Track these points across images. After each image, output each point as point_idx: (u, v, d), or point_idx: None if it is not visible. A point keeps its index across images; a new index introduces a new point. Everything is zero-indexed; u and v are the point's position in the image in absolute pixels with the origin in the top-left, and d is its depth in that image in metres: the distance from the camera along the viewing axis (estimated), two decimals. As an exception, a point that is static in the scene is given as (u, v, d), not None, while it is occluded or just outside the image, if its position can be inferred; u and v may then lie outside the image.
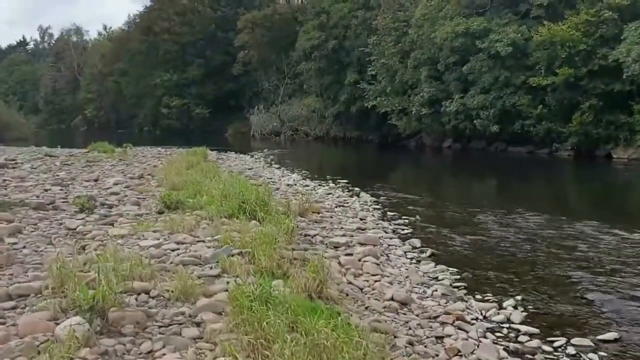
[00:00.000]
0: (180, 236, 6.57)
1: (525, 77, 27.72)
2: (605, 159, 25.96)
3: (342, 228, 9.08)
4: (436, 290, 6.23)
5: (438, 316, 5.41)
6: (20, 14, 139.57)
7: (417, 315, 5.40)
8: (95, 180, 12.53)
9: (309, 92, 45.77)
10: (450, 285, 6.58)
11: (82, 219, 7.91)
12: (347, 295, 5.44)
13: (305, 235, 8.13)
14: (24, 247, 6.25)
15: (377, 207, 12.25)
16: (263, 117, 48.54)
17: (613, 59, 24.31)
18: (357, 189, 15.11)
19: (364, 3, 39.35)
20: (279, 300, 4.11)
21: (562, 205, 12.37)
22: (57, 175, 13.50)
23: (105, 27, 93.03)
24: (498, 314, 5.73)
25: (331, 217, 10.14)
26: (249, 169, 20.30)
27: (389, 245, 8.25)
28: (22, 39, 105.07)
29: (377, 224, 9.90)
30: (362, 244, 7.79)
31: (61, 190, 10.88)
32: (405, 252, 7.94)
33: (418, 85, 33.10)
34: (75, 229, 7.24)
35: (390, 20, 34.73)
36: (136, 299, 4.43)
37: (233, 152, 28.84)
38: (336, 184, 16.24)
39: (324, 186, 15.82)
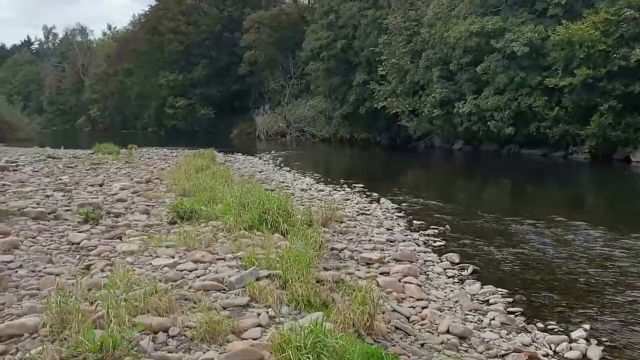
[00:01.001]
0: (197, 253, 5.78)
1: (541, 77, 26.86)
2: (623, 163, 25.13)
3: (370, 240, 8.29)
4: (494, 319, 5.42)
5: (507, 354, 4.61)
6: (25, 14, 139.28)
7: (482, 353, 4.60)
8: (100, 185, 11.76)
9: (316, 92, 45.02)
10: (505, 310, 5.78)
11: (87, 230, 7.13)
12: (396, 328, 4.65)
13: (332, 249, 7.35)
14: (20, 267, 5.47)
15: (401, 214, 11.46)
16: (268, 118, 47.89)
17: (635, 59, 23.45)
18: (375, 194, 14.34)
19: (373, 2, 38.56)
20: (334, 349, 3.33)
21: (602, 213, 11.55)
22: (60, 179, 12.74)
23: (109, 27, 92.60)
24: (570, 348, 4.92)
25: (355, 227, 9.36)
26: (259, 171, 19.56)
27: (425, 261, 7.45)
28: (26, 39, 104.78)
29: (406, 235, 9.10)
30: (398, 261, 6.99)
31: (64, 196, 10.12)
32: (444, 270, 7.13)
33: (429, 86, 32.30)
34: (79, 244, 6.46)
35: (401, 19, 33.94)
36: (153, 341, 3.64)
37: (240, 154, 28.13)
38: (352, 189, 15.47)
39: (339, 191, 15.06)
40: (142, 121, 62.20)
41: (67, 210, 8.46)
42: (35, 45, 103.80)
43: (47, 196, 9.90)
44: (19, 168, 14.99)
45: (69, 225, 7.51)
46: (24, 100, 78.72)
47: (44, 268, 5.42)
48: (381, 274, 6.42)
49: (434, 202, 13.24)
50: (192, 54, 56.77)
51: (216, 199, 9.05)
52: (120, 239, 6.70)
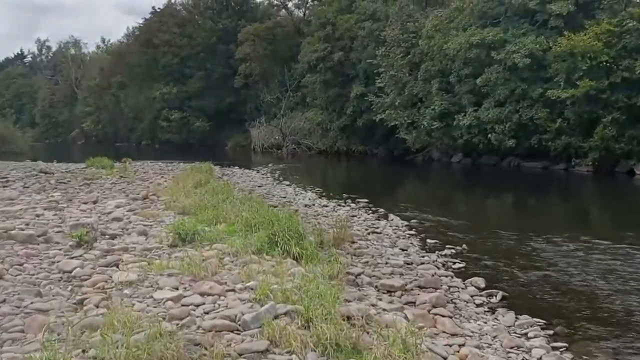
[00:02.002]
0: (204, 284, 5.14)
1: (543, 89, 26.55)
2: (626, 175, 24.77)
3: (387, 263, 7.68)
4: (541, 359, 4.83)
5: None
6: (19, 27, 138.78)
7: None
8: (94, 203, 11.11)
9: (313, 105, 44.61)
10: (549, 345, 5.18)
11: (80, 256, 6.48)
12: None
13: (348, 274, 6.74)
14: (4, 301, 4.82)
15: (412, 232, 10.87)
16: (264, 131, 47.42)
17: (639, 70, 23.18)
18: (381, 209, 13.77)
19: (370, 14, 38.31)
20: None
21: (624, 230, 10.94)
22: (52, 196, 12.08)
23: (103, 40, 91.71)
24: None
25: (368, 247, 8.76)
26: (259, 186, 18.95)
27: (450, 286, 6.83)
28: (19, 52, 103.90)
29: (422, 257, 8.49)
30: (422, 288, 6.40)
31: (55, 215, 9.47)
32: (472, 297, 6.51)
33: (428, 98, 31.93)
34: (71, 272, 5.81)
35: (399, 31, 33.62)
36: (160, 405, 3.04)
37: (237, 167, 27.53)
38: (356, 204, 14.89)
39: (343, 206, 14.48)
40: (136, 134, 61.52)
41: (59, 231, 7.81)
42: (29, 59, 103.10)
43: (38, 215, 9.25)
44: (9, 184, 14.31)
45: (60, 249, 6.86)
46: (16, 113, 77.97)
47: (31, 303, 4.77)
48: (407, 303, 5.81)
49: (444, 219, 12.68)
50: (187, 66, 56.35)
51: (219, 218, 8.43)
52: (117, 267, 6.05)
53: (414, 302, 5.87)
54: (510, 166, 29.52)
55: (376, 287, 6.39)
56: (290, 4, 55.17)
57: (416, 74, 32.76)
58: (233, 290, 5.13)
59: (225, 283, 5.32)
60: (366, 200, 15.39)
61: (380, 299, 5.85)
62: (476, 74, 28.79)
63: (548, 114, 26.50)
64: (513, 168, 29.19)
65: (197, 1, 60.59)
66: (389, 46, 34.26)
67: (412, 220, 12.21)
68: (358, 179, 27.37)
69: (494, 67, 27.82)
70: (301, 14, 53.76)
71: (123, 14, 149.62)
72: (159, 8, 62.13)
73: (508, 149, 28.29)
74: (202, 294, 4.94)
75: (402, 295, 6.18)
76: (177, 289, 5.15)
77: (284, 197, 15.70)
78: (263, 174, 24.53)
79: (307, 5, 52.46)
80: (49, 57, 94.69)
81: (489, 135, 28.25)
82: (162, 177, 18.62)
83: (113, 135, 65.02)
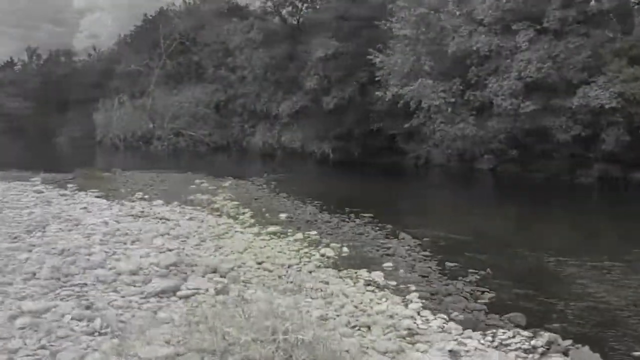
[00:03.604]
0: None
1: (547, 97, 25.84)
2: (634, 185, 24.08)
3: (409, 299, 6.68)
4: None
5: None
6: (8, 35, 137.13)
7: None
8: (76, 224, 9.99)
9: (310, 114, 43.71)
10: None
11: (52, 301, 5.39)
12: None
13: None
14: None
15: (427, 253, 9.91)
16: (259, 138, 46.60)
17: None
18: (388, 225, 12.82)
19: (368, 21, 37.57)
20: None
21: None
22: (32, 212, 11.03)
23: (94, 48, 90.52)
24: None
25: (383, 276, 7.76)
26: (255, 199, 17.90)
27: (487, 325, 5.85)
28: (9, 60, 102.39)
29: (446, 285, 7.52)
30: (459, 327, 5.40)
31: (31, 238, 8.41)
32: (518, 340, 5.49)
33: (427, 107, 31.10)
34: (37, 328, 4.71)
35: (397, 39, 32.81)
36: None
37: (231, 177, 26.46)
38: (360, 219, 13.93)
39: (347, 222, 13.55)
40: (127, 142, 60.34)
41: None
42: (19, 67, 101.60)
43: (13, 238, 8.19)
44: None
45: (31, 290, 5.70)
46: (7, 121, 76.48)
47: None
48: (451, 352, 4.81)
49: (457, 236, 11.72)
50: (179, 73, 55.35)
51: (224, 248, 7.43)
52: (100, 334, 4.85)
53: (459, 353, 4.88)
54: (512, 176, 28.71)
55: (409, 330, 5.39)
56: (284, 12, 54.29)
57: (415, 82, 31.93)
58: None
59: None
60: (370, 214, 14.41)
61: (418, 348, 4.86)
62: (477, 82, 28.08)
63: (552, 123, 25.81)
64: (516, 178, 28.37)
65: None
66: (386, 54, 33.47)
67: (424, 239, 11.25)
68: (357, 189, 26.32)
69: (496, 76, 27.09)
70: (296, 22, 52.87)
71: (112, 21, 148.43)
72: (150, 15, 61.21)
73: (510, 158, 27.59)
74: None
75: (441, 347, 5.18)
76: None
77: (284, 212, 14.71)
78: (258, 185, 23.46)
79: (302, 13, 51.64)
80: (39, 65, 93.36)
81: (491, 145, 27.55)
82: (151, 188, 17.65)
83: (104, 143, 63.82)
